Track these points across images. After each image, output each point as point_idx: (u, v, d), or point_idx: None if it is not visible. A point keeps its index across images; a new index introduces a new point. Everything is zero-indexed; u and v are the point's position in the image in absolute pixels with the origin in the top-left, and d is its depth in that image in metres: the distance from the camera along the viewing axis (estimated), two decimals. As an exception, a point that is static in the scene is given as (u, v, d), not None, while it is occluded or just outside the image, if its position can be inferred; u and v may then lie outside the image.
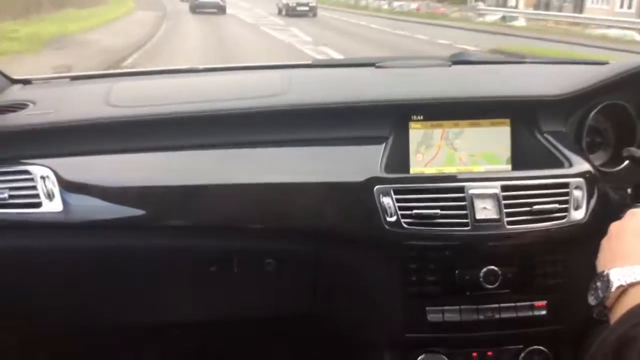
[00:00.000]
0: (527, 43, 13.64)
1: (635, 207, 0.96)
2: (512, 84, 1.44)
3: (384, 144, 1.28)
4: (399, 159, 1.28)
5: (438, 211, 1.20)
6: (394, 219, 1.20)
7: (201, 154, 1.27)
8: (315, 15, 24.46)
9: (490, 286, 1.23)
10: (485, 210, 1.21)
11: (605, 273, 0.85)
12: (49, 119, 1.29)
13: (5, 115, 1.32)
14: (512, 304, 1.26)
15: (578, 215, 1.23)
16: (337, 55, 11.27)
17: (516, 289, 1.25)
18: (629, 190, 1.30)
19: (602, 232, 0.98)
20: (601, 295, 0.84)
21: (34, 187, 1.21)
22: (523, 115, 1.31)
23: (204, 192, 1.26)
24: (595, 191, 1.25)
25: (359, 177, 1.23)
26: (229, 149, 1.28)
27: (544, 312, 1.27)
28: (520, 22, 20.94)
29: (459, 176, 1.26)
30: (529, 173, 1.25)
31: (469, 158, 1.31)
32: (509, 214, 1.21)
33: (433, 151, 1.30)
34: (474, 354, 1.32)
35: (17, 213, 1.21)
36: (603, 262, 0.89)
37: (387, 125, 1.29)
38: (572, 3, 25.57)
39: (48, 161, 1.23)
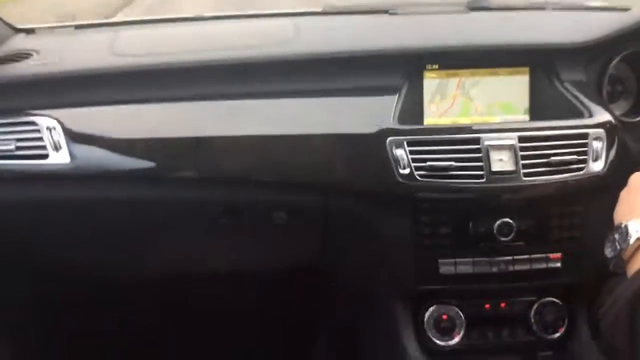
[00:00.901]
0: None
1: None
2: (532, 31, 1.39)
3: (397, 95, 1.24)
4: (413, 109, 1.25)
5: (452, 163, 1.18)
6: (407, 171, 1.18)
7: (209, 104, 1.25)
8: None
9: (504, 238, 1.21)
10: (501, 162, 1.18)
11: (623, 225, 0.83)
12: (54, 69, 1.27)
13: (9, 65, 1.29)
14: (527, 256, 1.24)
15: (597, 166, 1.20)
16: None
17: (531, 241, 1.24)
18: None
19: (621, 183, 0.96)
20: (619, 247, 0.83)
21: (41, 139, 1.20)
22: (543, 64, 1.26)
23: (212, 144, 1.24)
24: (615, 142, 1.22)
25: (371, 128, 1.21)
26: (237, 100, 1.25)
27: (558, 265, 1.25)
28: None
29: (475, 127, 1.22)
30: (547, 124, 1.22)
31: (486, 108, 1.27)
32: (525, 166, 1.18)
33: (448, 101, 1.27)
34: (487, 306, 1.31)
35: (24, 164, 1.20)
36: (621, 214, 0.87)
37: (401, 75, 1.25)
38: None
39: (54, 112, 1.21)
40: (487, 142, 1.19)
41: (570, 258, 1.26)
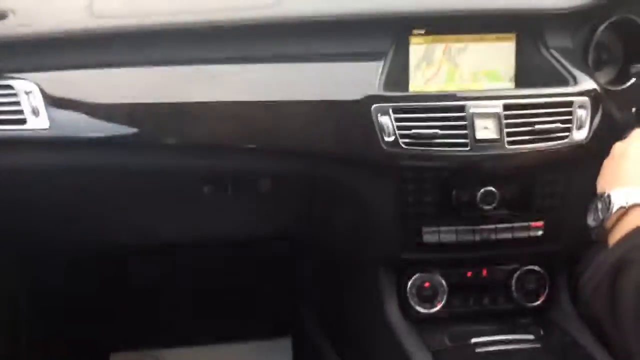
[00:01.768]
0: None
1: None
2: None
3: (382, 60, 1.22)
4: (398, 76, 1.24)
5: (437, 131, 1.17)
6: (392, 138, 1.17)
7: (191, 69, 1.22)
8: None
9: (487, 207, 1.21)
10: (485, 130, 1.17)
11: (606, 194, 0.83)
12: (30, 31, 1.23)
13: None
14: (509, 225, 1.25)
15: (581, 135, 1.20)
16: None
17: (514, 209, 1.24)
18: (633, 110, 1.26)
19: (605, 152, 0.96)
20: (601, 216, 0.83)
21: (18, 103, 1.17)
22: (529, 30, 1.25)
23: (195, 110, 1.21)
24: (600, 110, 1.22)
25: (356, 95, 1.19)
26: (219, 65, 1.23)
27: (540, 233, 1.26)
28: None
29: (460, 94, 1.21)
30: (532, 91, 1.21)
31: (471, 75, 1.26)
32: (509, 134, 1.17)
33: (434, 68, 1.26)
34: (469, 274, 1.32)
35: (1, 130, 1.17)
36: (604, 183, 0.87)
37: (387, 40, 1.23)
38: None
39: (32, 75, 1.18)
40: (472, 110, 1.18)
41: (553, 226, 1.26)
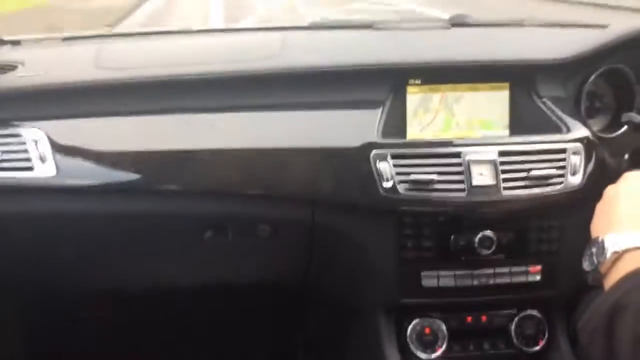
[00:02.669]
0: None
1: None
2: (512, 47, 1.42)
3: (380, 109, 1.26)
4: (396, 123, 1.27)
5: (435, 177, 1.19)
6: (390, 184, 1.19)
7: (194, 117, 1.25)
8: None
9: (485, 251, 1.23)
10: (481, 177, 1.20)
11: (600, 239, 0.84)
12: (39, 81, 1.26)
13: None
14: (507, 269, 1.26)
15: (575, 180, 1.22)
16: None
17: (511, 254, 1.25)
18: (626, 156, 1.29)
19: (599, 197, 0.97)
20: (596, 261, 0.84)
21: (26, 151, 1.19)
22: (522, 80, 1.29)
23: (197, 157, 1.24)
24: (593, 157, 1.24)
25: (355, 142, 1.22)
26: (222, 113, 1.26)
27: (538, 278, 1.27)
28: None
29: (456, 142, 1.24)
30: (526, 138, 1.24)
31: (467, 123, 1.29)
32: (505, 180, 1.20)
33: (430, 116, 1.29)
34: (468, 319, 1.32)
35: (9, 177, 1.20)
36: (598, 227, 0.88)
37: (384, 89, 1.27)
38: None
39: (40, 124, 1.21)
40: (468, 157, 1.20)
41: (550, 271, 1.27)
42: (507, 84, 1.29)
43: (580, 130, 1.25)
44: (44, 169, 1.19)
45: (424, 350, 1.30)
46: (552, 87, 1.29)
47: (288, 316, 1.64)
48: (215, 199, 1.27)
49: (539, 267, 1.27)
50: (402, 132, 1.27)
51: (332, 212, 1.26)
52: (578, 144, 1.23)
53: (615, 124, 1.31)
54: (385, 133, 1.23)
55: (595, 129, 1.29)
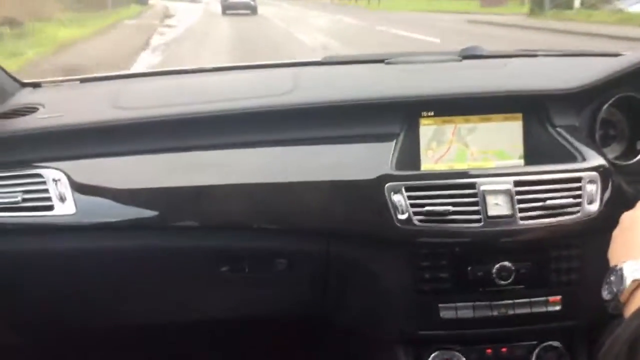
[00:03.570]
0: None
1: None
2: (523, 78, 1.43)
3: (394, 141, 1.27)
4: (410, 155, 1.27)
5: (450, 208, 1.19)
6: (405, 216, 1.19)
7: (210, 154, 1.27)
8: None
9: (503, 282, 1.22)
10: (497, 207, 1.19)
11: (618, 267, 0.83)
12: (59, 122, 1.29)
13: (16, 119, 1.32)
14: (526, 300, 1.24)
15: (592, 209, 1.21)
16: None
17: (530, 284, 1.24)
18: None
19: (616, 225, 0.97)
20: (615, 289, 0.83)
21: (46, 190, 1.22)
22: (535, 110, 1.29)
23: (214, 193, 1.25)
24: (609, 185, 1.24)
25: (370, 174, 1.23)
26: (238, 149, 1.28)
27: (558, 308, 1.25)
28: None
29: (471, 172, 1.24)
30: (541, 168, 1.24)
31: (481, 154, 1.30)
32: (521, 210, 1.19)
33: (444, 147, 1.29)
34: (488, 351, 1.31)
35: (31, 216, 1.22)
36: (616, 255, 0.87)
37: (398, 122, 1.28)
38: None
39: (59, 164, 1.23)
40: (483, 187, 1.20)
41: (570, 301, 1.26)
42: (520, 115, 1.29)
43: (595, 159, 1.24)
44: (64, 208, 1.21)
45: None
46: (565, 116, 1.29)
47: (305, 349, 1.63)
48: (231, 234, 1.28)
49: (558, 297, 1.25)
50: (416, 164, 1.28)
51: (347, 244, 1.27)
52: (594, 173, 1.23)
53: (630, 152, 1.31)
54: (399, 165, 1.24)
55: (610, 156, 1.28)
